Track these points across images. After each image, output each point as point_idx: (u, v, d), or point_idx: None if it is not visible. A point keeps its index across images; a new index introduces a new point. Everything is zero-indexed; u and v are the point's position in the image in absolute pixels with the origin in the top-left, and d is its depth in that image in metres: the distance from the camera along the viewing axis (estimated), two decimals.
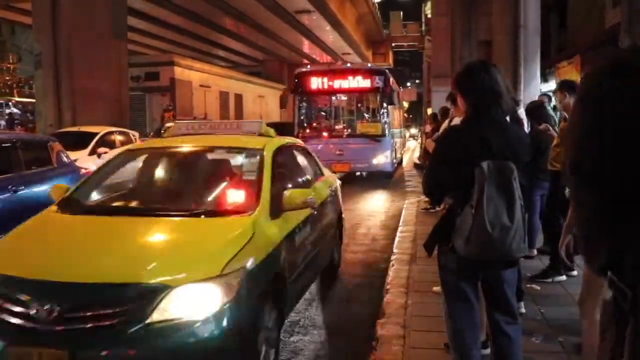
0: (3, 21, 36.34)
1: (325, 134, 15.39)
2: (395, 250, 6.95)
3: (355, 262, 7.05)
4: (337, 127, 16.57)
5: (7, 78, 33.79)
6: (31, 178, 6.78)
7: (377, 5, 43.81)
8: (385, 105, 15.22)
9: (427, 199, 8.54)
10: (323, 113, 16.98)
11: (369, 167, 14.83)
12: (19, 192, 6.46)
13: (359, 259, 7.17)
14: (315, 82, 15.36)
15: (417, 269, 5.92)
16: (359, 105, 17.27)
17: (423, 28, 44.73)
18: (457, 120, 4.38)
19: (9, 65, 34.28)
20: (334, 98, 16.94)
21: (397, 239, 7.65)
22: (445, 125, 5.95)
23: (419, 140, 34.49)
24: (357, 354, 4.19)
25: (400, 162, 20.87)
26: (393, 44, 50.55)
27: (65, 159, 7.72)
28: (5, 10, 28.88)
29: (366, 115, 17.38)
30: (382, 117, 15.32)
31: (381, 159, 14.69)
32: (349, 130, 16.11)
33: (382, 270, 6.37)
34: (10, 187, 6.37)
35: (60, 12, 18.90)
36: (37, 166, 7.14)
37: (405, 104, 63.26)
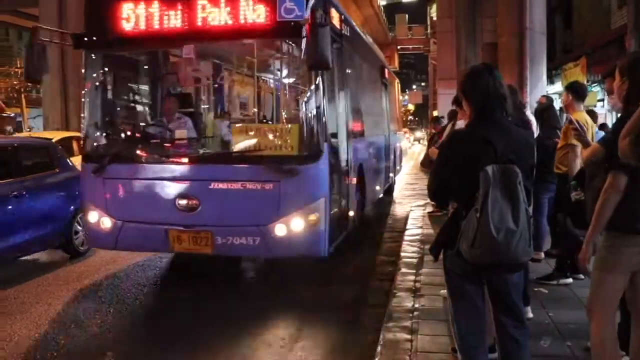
0: (10, 26, 36.58)
1: (152, 152, 5.99)
2: (402, 254, 6.93)
3: (362, 265, 7.03)
4: (181, 133, 6.28)
5: (15, 82, 33.99)
6: (33, 183, 6.75)
7: (382, 8, 43.82)
8: (318, 74, 5.41)
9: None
10: (172, 96, 6.92)
11: (262, 246, 5.41)
12: (21, 198, 6.43)
13: (365, 262, 7.15)
14: (134, 16, 5.62)
15: (424, 272, 5.90)
16: (248, 76, 7.29)
17: (428, 30, 44.74)
18: (461, 124, 4.37)
19: (16, 70, 34.49)
20: (181, 57, 6.45)
21: (404, 242, 7.64)
22: (449, 129, 5.94)
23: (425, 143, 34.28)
24: (363, 358, 4.18)
25: (390, 190, 12.85)
26: (399, 47, 50.54)
27: (68, 163, 7.70)
28: (12, 15, 29.11)
29: (283, 103, 7.13)
30: (307, 106, 5.57)
31: (297, 224, 5.35)
32: (217, 144, 6.65)
33: (389, 274, 6.36)
34: (11, 192, 6.35)
35: (67, 17, 19.04)
36: (40, 171, 7.09)
37: (411, 106, 63.27)
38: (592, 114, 7.31)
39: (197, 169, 5.62)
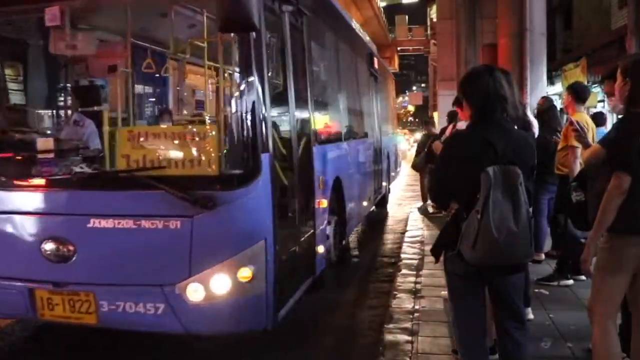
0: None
1: (10, 172, 3.91)
2: (402, 255, 6.93)
3: (362, 266, 7.03)
4: (44, 144, 4.21)
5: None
6: None
7: (382, 9, 43.85)
8: (251, 49, 3.53)
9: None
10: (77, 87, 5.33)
11: (169, 316, 3.55)
12: None
13: (365, 264, 7.15)
14: None
15: (425, 273, 5.90)
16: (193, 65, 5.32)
17: (428, 32, 44.78)
18: (462, 124, 4.37)
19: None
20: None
21: (404, 244, 7.64)
22: (449, 130, 5.94)
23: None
24: (364, 359, 4.17)
25: (384, 201, 11.17)
26: (399, 48, 50.51)
27: None
28: None
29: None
30: (236, 99, 3.61)
31: (222, 284, 3.49)
32: (110, 160, 3.91)
33: (389, 275, 6.36)
34: None
35: None
36: None
37: (411, 108, 63.21)
38: (601, 116, 7.29)
39: (70, 199, 3.72)
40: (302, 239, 4.51)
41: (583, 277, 5.24)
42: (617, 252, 2.81)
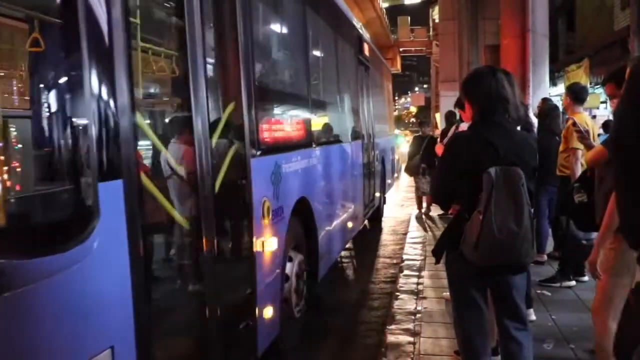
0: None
1: None
2: (404, 256, 6.93)
3: (364, 267, 7.03)
4: None
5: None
6: None
7: (384, 10, 43.87)
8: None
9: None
10: None
11: None
12: None
13: (367, 265, 7.15)
14: None
15: (427, 274, 5.90)
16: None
17: (431, 33, 44.81)
18: (464, 126, 4.38)
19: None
20: None
21: (406, 245, 7.64)
22: (452, 130, 5.94)
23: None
24: None
25: (378, 214, 9.84)
26: (401, 49, 50.51)
27: None
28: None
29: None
30: (63, 81, 1.94)
31: None
32: None
33: (391, 276, 6.36)
34: None
35: None
36: None
37: (413, 109, 63.22)
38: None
39: None
40: (224, 312, 2.79)
41: (585, 278, 5.24)
42: (623, 254, 2.80)
